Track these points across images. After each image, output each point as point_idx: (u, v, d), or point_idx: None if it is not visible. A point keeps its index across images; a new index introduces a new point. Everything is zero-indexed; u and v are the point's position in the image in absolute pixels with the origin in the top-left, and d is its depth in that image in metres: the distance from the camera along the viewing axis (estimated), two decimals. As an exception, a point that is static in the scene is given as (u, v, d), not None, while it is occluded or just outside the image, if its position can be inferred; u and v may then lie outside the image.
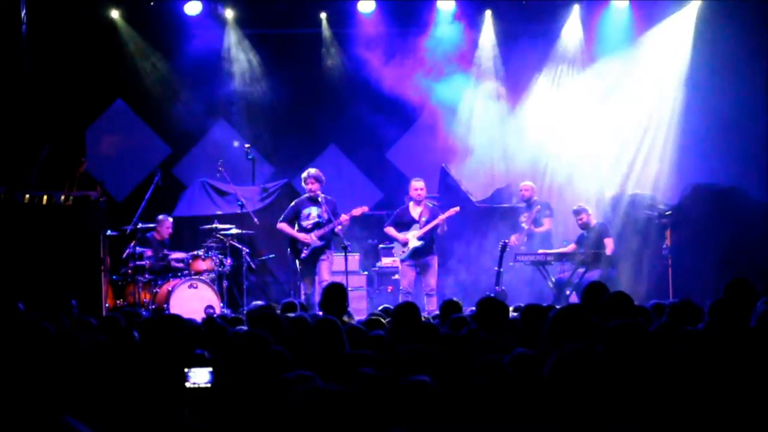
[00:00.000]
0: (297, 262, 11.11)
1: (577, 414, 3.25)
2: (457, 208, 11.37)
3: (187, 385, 3.53)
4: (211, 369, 3.56)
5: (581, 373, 3.33)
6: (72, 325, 6.35)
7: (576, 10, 13.54)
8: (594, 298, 5.92)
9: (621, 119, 13.30)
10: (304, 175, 11.15)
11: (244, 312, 9.31)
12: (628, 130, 13.33)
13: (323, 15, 13.79)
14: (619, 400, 3.37)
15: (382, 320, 6.63)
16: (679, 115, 13.25)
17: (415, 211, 11.42)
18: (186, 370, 3.53)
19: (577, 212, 11.77)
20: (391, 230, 11.52)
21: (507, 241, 11.59)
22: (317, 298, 9.61)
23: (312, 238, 10.91)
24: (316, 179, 11.01)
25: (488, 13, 13.75)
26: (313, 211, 11.03)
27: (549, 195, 13.04)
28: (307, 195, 11.12)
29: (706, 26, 13.03)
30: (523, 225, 12.14)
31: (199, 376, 3.56)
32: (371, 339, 5.38)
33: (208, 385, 3.54)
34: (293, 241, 11.08)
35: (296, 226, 11.07)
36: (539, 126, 13.63)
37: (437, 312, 7.39)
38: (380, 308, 7.80)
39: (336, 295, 6.76)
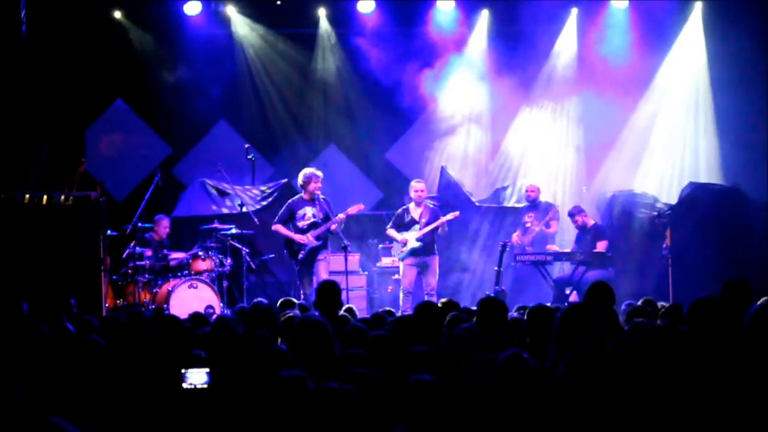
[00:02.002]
0: (294, 263, 11.08)
1: (589, 414, 3.23)
2: (457, 213, 11.34)
3: (184, 386, 3.53)
4: (208, 370, 3.56)
5: (597, 372, 3.30)
6: (72, 325, 6.35)
7: (574, 13, 13.54)
8: (598, 297, 5.96)
9: (621, 119, 13.30)
10: (307, 172, 11.00)
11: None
12: (628, 130, 13.32)
13: (323, 14, 13.79)
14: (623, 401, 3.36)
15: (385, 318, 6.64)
16: (679, 115, 13.26)
17: (415, 211, 11.40)
18: (183, 371, 3.53)
19: (572, 214, 11.78)
20: (392, 232, 11.50)
21: (507, 240, 11.60)
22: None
23: (309, 239, 10.88)
24: (319, 179, 10.97)
25: (485, 13, 13.75)
26: (309, 211, 10.98)
27: (548, 194, 13.02)
28: (301, 195, 11.06)
29: (707, 27, 13.03)
30: (528, 225, 12.13)
31: (196, 377, 3.55)
32: (372, 339, 5.38)
33: (205, 386, 3.54)
34: (289, 243, 11.03)
35: (291, 227, 11.03)
36: (539, 126, 13.64)
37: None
38: (382, 310, 7.80)
39: (329, 292, 6.75)
